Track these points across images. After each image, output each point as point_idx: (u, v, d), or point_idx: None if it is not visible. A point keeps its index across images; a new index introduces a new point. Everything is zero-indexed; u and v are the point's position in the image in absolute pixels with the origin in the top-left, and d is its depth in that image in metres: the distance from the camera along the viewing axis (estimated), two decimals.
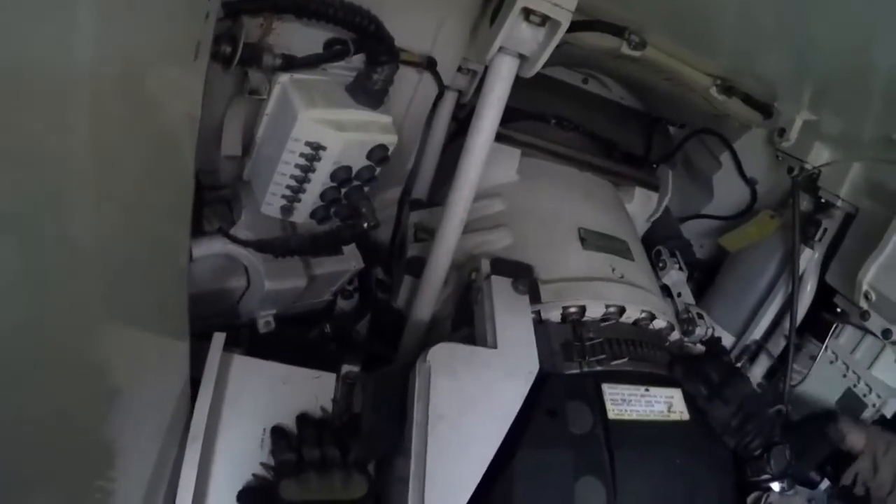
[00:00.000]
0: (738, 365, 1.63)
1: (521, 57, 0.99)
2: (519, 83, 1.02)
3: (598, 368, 1.06)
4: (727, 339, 1.65)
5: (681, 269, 1.53)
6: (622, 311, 1.14)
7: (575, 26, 0.97)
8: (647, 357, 1.12)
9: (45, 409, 0.55)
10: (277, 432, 0.95)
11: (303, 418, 0.98)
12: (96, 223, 0.56)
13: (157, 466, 0.87)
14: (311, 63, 1.01)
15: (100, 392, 0.67)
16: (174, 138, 0.76)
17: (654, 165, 1.75)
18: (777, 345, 1.58)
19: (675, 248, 1.59)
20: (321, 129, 0.94)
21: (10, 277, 0.44)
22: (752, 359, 1.64)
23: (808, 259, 1.48)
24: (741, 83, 1.36)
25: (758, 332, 1.62)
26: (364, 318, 1.39)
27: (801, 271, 1.47)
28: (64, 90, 0.46)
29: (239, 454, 0.95)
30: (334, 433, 0.95)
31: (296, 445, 0.92)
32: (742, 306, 1.64)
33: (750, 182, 1.67)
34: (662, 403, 1.05)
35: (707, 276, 1.80)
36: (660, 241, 1.61)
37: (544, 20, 0.93)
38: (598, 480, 0.93)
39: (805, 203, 1.48)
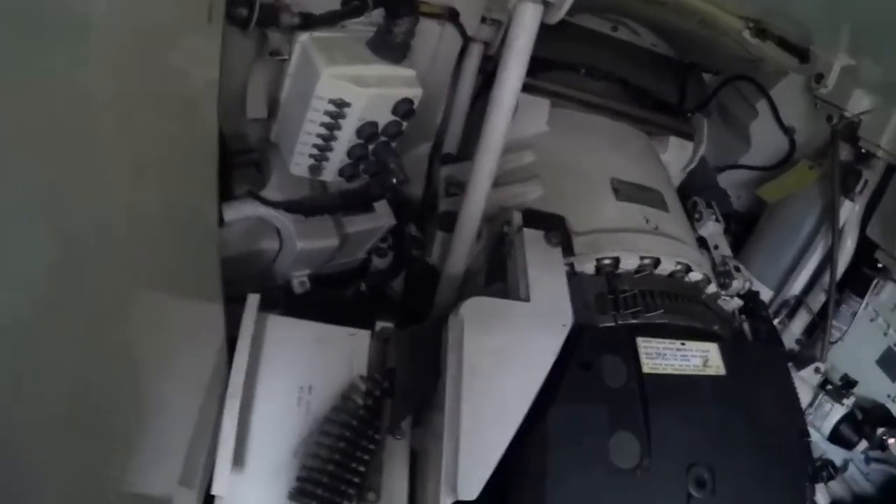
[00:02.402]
0: (777, 320, 1.61)
1: (545, 3, 0.95)
2: (546, 32, 0.99)
3: (633, 321, 1.05)
4: (765, 294, 1.61)
5: (717, 220, 1.51)
6: (657, 262, 1.12)
7: None
8: (683, 310, 1.10)
9: (96, 369, 0.57)
10: None
11: None
12: (123, 190, 0.57)
13: (198, 423, 0.90)
14: (329, 20, 0.99)
15: (141, 355, 0.69)
16: (193, 102, 0.76)
17: (689, 114, 1.70)
18: (816, 300, 1.54)
19: (711, 199, 1.56)
20: (344, 86, 0.93)
21: (43, 249, 0.45)
22: (791, 314, 1.61)
23: (849, 212, 1.43)
24: (775, 26, 1.31)
25: (797, 287, 1.59)
26: (399, 276, 1.39)
27: (840, 225, 1.43)
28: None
29: (276, 411, 0.96)
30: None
31: None
32: (781, 260, 1.61)
33: (788, 131, 1.62)
34: (698, 358, 1.03)
35: (745, 228, 1.76)
36: (696, 191, 1.58)
37: None
38: (633, 435, 0.93)
39: (845, 153, 1.43)
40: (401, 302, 1.35)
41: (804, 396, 1.50)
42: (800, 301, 1.59)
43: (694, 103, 1.71)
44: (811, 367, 1.51)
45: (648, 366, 0.99)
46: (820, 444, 1.55)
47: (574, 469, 0.89)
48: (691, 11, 1.28)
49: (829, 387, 1.51)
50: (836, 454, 1.56)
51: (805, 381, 1.51)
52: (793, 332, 1.60)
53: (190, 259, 0.86)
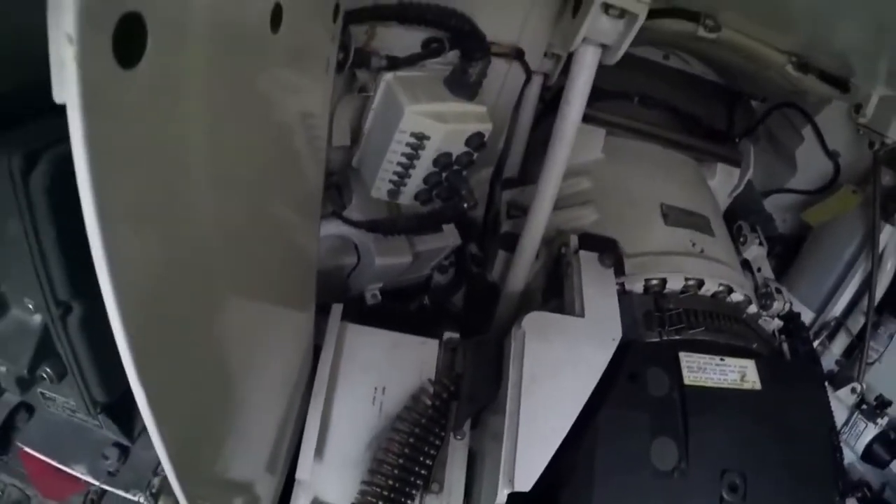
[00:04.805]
0: (818, 342, 1.65)
1: (603, 46, 1.04)
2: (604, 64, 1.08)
3: (677, 337, 1.13)
4: (807, 315, 1.66)
5: (761, 244, 1.55)
6: (701, 283, 1.20)
7: (652, 14, 1.01)
8: (724, 328, 1.17)
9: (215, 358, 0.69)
10: None
11: None
12: (262, 212, 0.70)
13: (284, 419, 1.02)
14: (411, 61, 1.12)
15: (247, 356, 0.81)
16: (313, 139, 0.89)
17: (737, 140, 1.76)
18: (856, 322, 1.59)
19: (756, 223, 1.61)
20: (425, 122, 1.05)
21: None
22: (832, 336, 1.65)
23: (889, 236, 1.48)
24: (816, 59, 1.36)
25: (837, 309, 1.63)
26: (459, 291, 1.49)
27: (881, 249, 1.48)
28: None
29: (354, 410, 1.08)
30: None
31: None
32: (823, 282, 1.66)
33: (832, 156, 1.66)
34: (736, 373, 1.09)
35: (791, 250, 1.81)
36: (742, 215, 1.63)
37: (623, 13, 0.99)
38: (672, 441, 1.00)
39: (887, 178, 1.48)
40: (460, 315, 1.45)
41: (840, 415, 1.55)
42: (840, 323, 1.63)
43: (742, 129, 1.78)
44: (848, 388, 1.56)
45: (689, 378, 1.06)
46: (857, 465, 1.59)
47: (618, 468, 0.98)
48: (737, 48, 1.35)
49: (865, 406, 1.55)
50: (873, 476, 1.59)
51: (842, 401, 1.56)
52: (833, 353, 1.65)
53: (298, 273, 0.99)
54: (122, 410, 0.72)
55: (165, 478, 0.70)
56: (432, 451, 1.04)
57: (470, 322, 1.33)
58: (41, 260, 0.56)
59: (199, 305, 0.59)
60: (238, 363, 0.77)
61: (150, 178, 0.44)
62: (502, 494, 0.93)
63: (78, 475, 0.73)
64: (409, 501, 1.00)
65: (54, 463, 0.74)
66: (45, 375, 0.64)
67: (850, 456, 1.57)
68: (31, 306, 0.62)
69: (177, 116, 0.46)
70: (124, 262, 0.40)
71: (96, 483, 0.72)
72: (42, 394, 0.71)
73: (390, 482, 1.00)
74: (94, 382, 0.65)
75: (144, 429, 0.70)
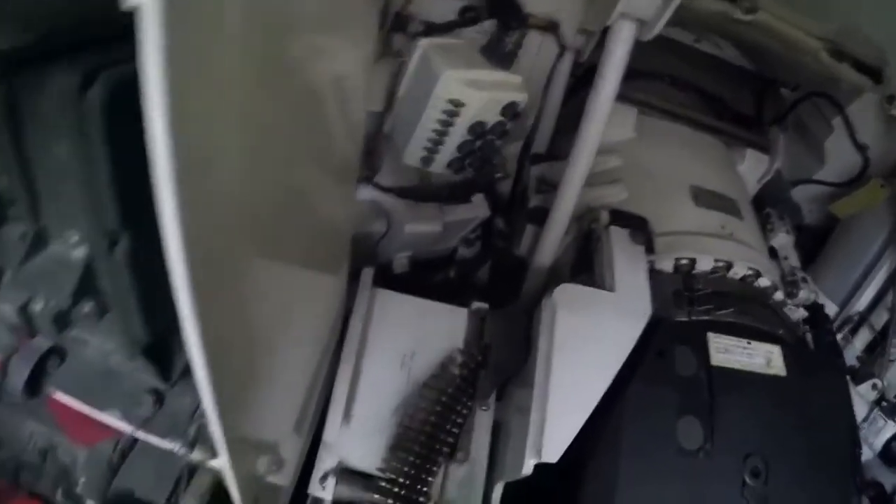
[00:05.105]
0: (840, 335, 1.63)
1: (640, 21, 1.04)
2: (635, 44, 1.07)
3: (705, 318, 1.13)
4: (831, 308, 1.65)
5: (788, 232, 1.55)
6: (730, 266, 1.20)
7: None
8: (751, 312, 1.18)
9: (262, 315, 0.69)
10: None
11: None
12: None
13: (313, 380, 1.02)
14: (448, 28, 1.12)
15: (284, 311, 0.81)
16: (353, 101, 0.90)
17: (766, 127, 1.75)
18: (880, 318, 1.57)
19: (783, 212, 1.60)
20: (462, 88, 1.04)
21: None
22: (854, 330, 1.64)
23: None
24: (851, 47, 1.36)
25: (861, 304, 1.62)
26: (484, 265, 1.49)
27: None
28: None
29: (382, 373, 1.09)
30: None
31: None
32: (848, 276, 1.64)
33: (862, 148, 1.64)
34: (762, 357, 1.10)
35: (817, 242, 1.79)
36: (770, 203, 1.63)
37: None
38: (698, 421, 1.01)
39: None
40: (485, 288, 1.45)
41: (860, 411, 1.54)
42: (863, 318, 1.62)
43: (771, 117, 1.76)
44: (869, 383, 1.54)
45: (717, 359, 1.07)
46: (871, 464, 1.57)
47: (645, 445, 0.99)
48: (773, 32, 1.34)
49: (885, 403, 1.54)
50: (887, 477, 1.57)
51: (861, 396, 1.55)
52: (855, 348, 1.63)
53: (334, 235, 1.00)
54: (160, 352, 0.71)
55: (202, 426, 0.71)
56: (459, 420, 1.04)
57: (495, 295, 1.33)
58: (92, 186, 0.56)
59: (246, 249, 0.59)
60: (276, 317, 0.77)
61: (214, 99, 0.43)
62: (529, 465, 0.94)
63: (111, 422, 0.73)
64: (434, 468, 1.00)
65: (86, 409, 0.74)
66: (85, 312, 0.64)
67: (866, 453, 1.55)
68: (74, 239, 0.62)
69: (236, 46, 0.46)
70: (189, 185, 0.40)
71: (130, 429, 0.71)
72: (76, 338, 0.72)
73: (416, 448, 1.00)
74: (136, 320, 0.65)
75: (182, 373, 0.71)
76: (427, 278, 1.43)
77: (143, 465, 0.77)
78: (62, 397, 0.74)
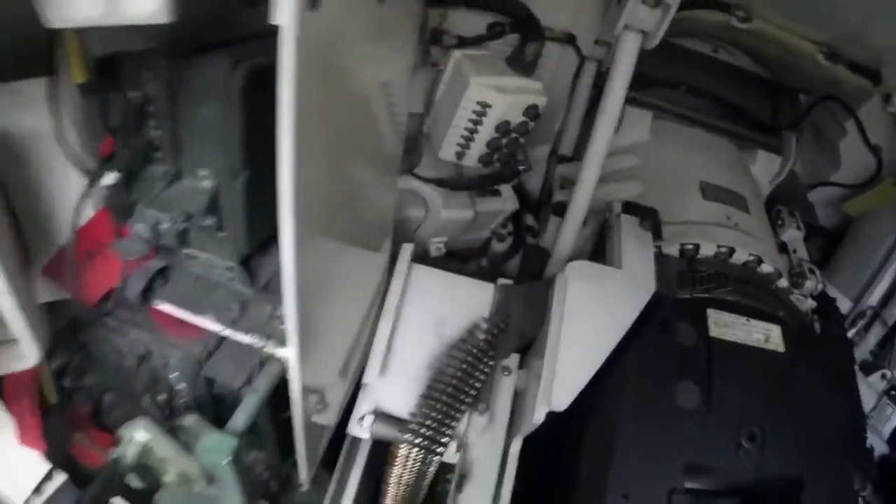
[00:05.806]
0: (854, 331, 1.70)
1: (643, 32, 1.16)
2: (655, 55, 1.21)
3: (706, 295, 1.23)
4: (844, 304, 1.71)
5: (798, 227, 1.63)
6: (732, 252, 1.31)
7: (685, 5, 1.13)
8: (751, 293, 1.27)
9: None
10: None
11: None
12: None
13: (358, 333, 1.19)
14: (477, 41, 1.31)
15: (344, 265, 1.01)
16: (397, 104, 1.10)
17: (781, 131, 1.82)
18: (892, 313, 1.64)
19: (796, 210, 1.68)
20: (489, 92, 1.22)
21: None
22: (868, 326, 1.70)
23: None
24: (846, 50, 1.44)
25: (874, 299, 1.68)
26: (514, 257, 1.64)
27: None
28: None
29: (416, 334, 1.23)
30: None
31: None
32: (861, 273, 1.70)
33: (875, 150, 1.70)
34: (761, 334, 1.17)
35: (833, 245, 1.85)
36: (784, 203, 1.71)
37: (658, 2, 1.11)
38: (696, 385, 1.10)
39: None
40: (515, 278, 1.59)
41: (869, 400, 1.61)
42: (876, 313, 1.68)
43: (787, 122, 1.84)
44: (878, 373, 1.62)
45: (715, 332, 1.16)
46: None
47: (646, 401, 1.09)
48: (769, 37, 1.46)
49: (893, 392, 1.60)
50: None
51: (871, 386, 1.62)
52: (869, 343, 1.69)
53: (381, 217, 1.20)
54: (254, 264, 0.93)
55: (275, 326, 0.88)
56: (482, 377, 1.17)
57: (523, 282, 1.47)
58: (227, 136, 0.79)
59: (324, 209, 0.79)
60: (339, 265, 0.97)
61: (319, 95, 0.63)
62: (540, 412, 1.06)
63: (205, 324, 0.90)
64: (458, 415, 1.14)
65: (186, 314, 0.91)
66: (207, 224, 0.85)
67: (879, 446, 1.61)
68: (203, 174, 0.84)
69: (332, 57, 0.66)
70: (300, 139, 0.59)
71: (221, 328, 0.89)
72: (189, 253, 0.91)
73: (443, 398, 1.13)
74: (242, 235, 0.86)
75: (266, 283, 0.93)
76: (460, 267, 1.59)
77: (225, 359, 0.94)
78: (165, 307, 0.92)
